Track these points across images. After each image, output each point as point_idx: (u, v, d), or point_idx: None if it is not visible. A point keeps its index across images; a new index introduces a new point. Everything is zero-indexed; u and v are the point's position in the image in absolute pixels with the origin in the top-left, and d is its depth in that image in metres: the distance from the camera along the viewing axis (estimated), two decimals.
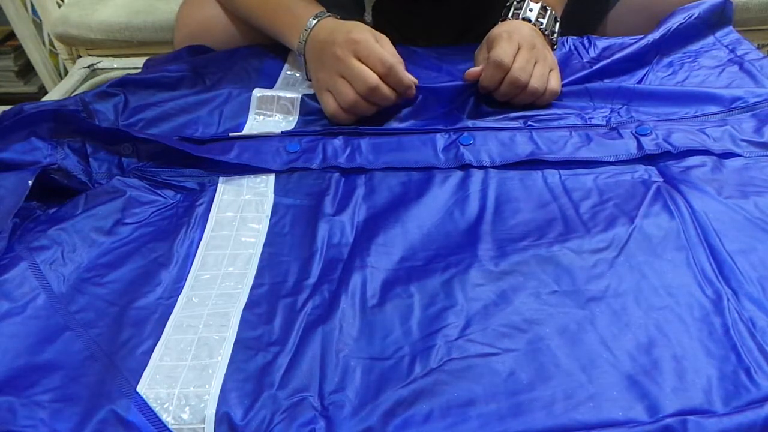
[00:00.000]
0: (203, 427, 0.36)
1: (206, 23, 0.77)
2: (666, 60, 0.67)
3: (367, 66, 0.58)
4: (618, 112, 0.60)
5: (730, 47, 0.66)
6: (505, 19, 0.66)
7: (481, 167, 0.54)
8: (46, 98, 0.89)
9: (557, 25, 0.67)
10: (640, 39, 0.67)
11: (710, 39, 0.68)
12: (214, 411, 0.36)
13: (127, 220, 0.52)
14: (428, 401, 0.36)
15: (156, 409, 0.36)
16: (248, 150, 0.58)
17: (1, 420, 0.36)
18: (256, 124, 0.63)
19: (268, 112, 0.64)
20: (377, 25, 0.72)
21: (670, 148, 0.54)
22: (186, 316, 0.43)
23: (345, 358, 0.39)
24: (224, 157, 0.56)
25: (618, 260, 0.44)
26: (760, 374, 0.35)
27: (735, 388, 0.35)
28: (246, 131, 0.62)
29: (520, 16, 0.64)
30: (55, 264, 0.47)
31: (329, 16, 0.64)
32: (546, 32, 0.65)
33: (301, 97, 0.64)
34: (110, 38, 1.22)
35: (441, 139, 0.58)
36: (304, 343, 0.40)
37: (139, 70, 0.76)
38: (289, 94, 0.65)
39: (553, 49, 0.67)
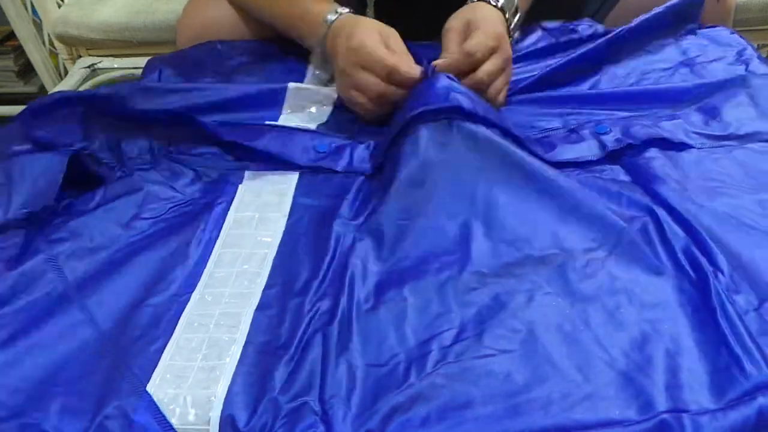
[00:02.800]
0: (207, 429, 0.36)
1: (210, 25, 0.77)
2: (621, 62, 0.67)
3: (372, 72, 0.59)
4: (573, 117, 0.61)
5: (684, 49, 0.67)
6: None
7: None
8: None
9: (518, 16, 0.68)
10: (597, 38, 0.68)
11: (669, 40, 0.68)
12: (219, 413, 0.36)
13: (144, 215, 0.52)
14: (425, 405, 0.36)
15: (163, 410, 0.36)
16: (278, 140, 0.58)
17: (12, 409, 0.36)
18: (290, 116, 0.64)
19: (303, 105, 0.65)
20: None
21: (631, 140, 0.55)
22: (198, 314, 0.43)
23: (343, 363, 0.39)
24: (254, 144, 0.57)
25: (609, 260, 0.44)
26: (750, 364, 0.36)
27: (728, 381, 0.35)
28: (281, 122, 0.62)
29: (492, 2, 0.65)
30: (73, 257, 0.47)
31: (342, 14, 0.65)
32: (510, 26, 0.66)
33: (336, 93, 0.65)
34: (110, 38, 1.22)
35: None
36: (307, 347, 0.40)
37: (140, 71, 0.76)
38: (323, 89, 0.66)
39: (511, 37, 0.67)
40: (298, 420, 0.36)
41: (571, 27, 0.72)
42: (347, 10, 0.66)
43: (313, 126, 0.62)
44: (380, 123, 0.62)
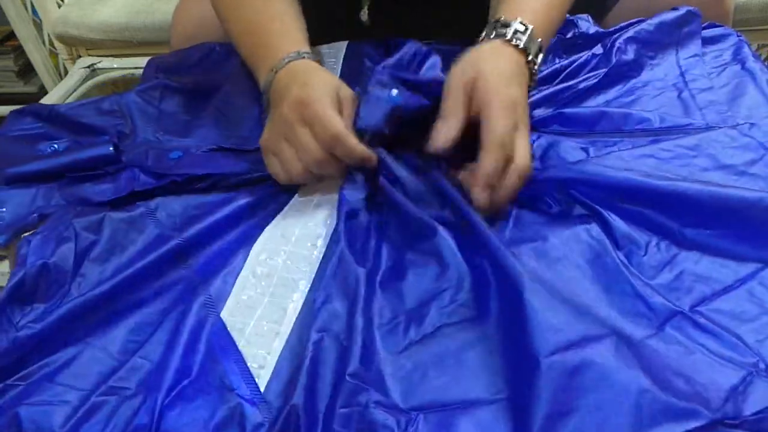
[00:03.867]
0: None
1: (202, 23, 0.77)
2: (617, 77, 0.65)
3: (314, 133, 0.50)
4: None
5: (683, 69, 0.64)
6: (486, 39, 0.54)
7: None
8: (46, 98, 0.89)
9: (540, 56, 0.55)
10: (594, 55, 0.65)
11: (671, 58, 0.65)
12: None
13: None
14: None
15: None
16: None
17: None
18: None
19: None
20: (374, 24, 0.72)
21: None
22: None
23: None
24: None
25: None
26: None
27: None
28: None
29: (509, 38, 0.53)
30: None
31: (303, 57, 0.57)
32: (532, 71, 0.54)
33: None
34: (110, 38, 1.22)
35: None
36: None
37: (140, 71, 0.76)
38: None
39: (531, 87, 0.56)
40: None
41: (572, 20, 0.71)
42: (311, 55, 0.58)
43: None
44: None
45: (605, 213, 0.47)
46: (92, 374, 0.41)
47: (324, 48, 0.70)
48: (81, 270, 0.49)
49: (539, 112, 0.61)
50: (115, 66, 1.01)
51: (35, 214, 0.54)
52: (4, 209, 0.55)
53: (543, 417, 0.34)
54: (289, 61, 0.56)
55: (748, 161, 0.50)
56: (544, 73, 0.65)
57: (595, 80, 0.63)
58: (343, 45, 0.70)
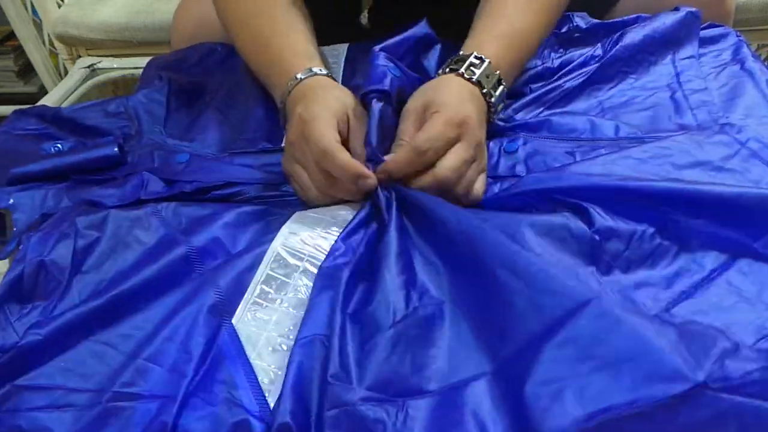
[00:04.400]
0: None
1: (203, 23, 0.77)
2: (612, 74, 0.64)
3: (310, 151, 0.50)
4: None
5: (679, 70, 0.64)
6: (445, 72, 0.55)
7: None
8: (45, 98, 0.89)
9: (501, 88, 0.55)
10: (589, 58, 0.65)
11: (667, 58, 0.65)
12: None
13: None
14: None
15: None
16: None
17: None
18: None
19: None
20: (374, 27, 0.72)
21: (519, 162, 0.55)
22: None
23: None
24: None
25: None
26: None
27: None
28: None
29: (461, 71, 0.54)
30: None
31: (314, 75, 0.56)
32: (489, 102, 0.55)
33: None
34: (110, 38, 1.22)
35: None
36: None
37: (140, 71, 0.76)
38: None
39: (490, 121, 0.56)
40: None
41: (568, 15, 0.71)
42: (323, 71, 0.57)
43: None
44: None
45: (589, 207, 0.46)
46: (98, 375, 0.40)
47: (325, 49, 0.70)
48: (83, 267, 0.48)
49: (528, 113, 0.61)
50: (115, 66, 1.01)
51: (39, 214, 0.54)
52: (17, 215, 0.55)
53: (535, 384, 0.34)
54: (302, 79, 0.56)
55: (723, 157, 0.50)
56: (539, 68, 0.65)
57: (585, 77, 0.62)
58: (344, 47, 0.70)
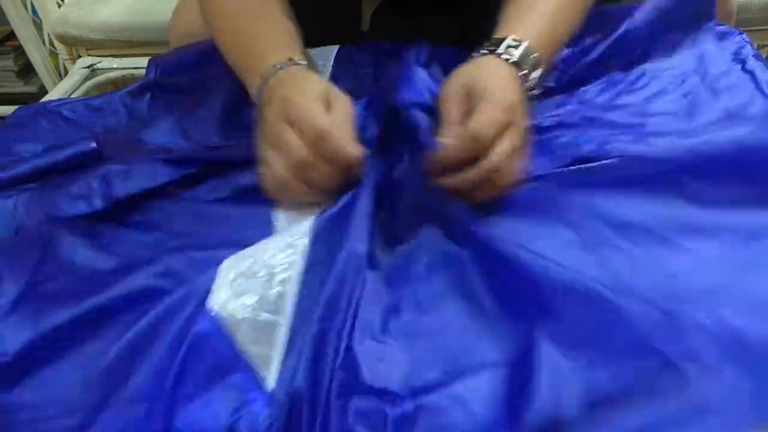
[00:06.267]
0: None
1: (201, 23, 0.76)
2: (629, 61, 0.64)
3: (298, 131, 0.47)
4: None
5: (700, 53, 0.64)
6: (486, 53, 0.53)
7: None
8: (46, 98, 0.89)
9: (538, 71, 0.54)
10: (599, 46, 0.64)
11: (685, 39, 0.65)
12: None
13: None
14: None
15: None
16: None
17: None
18: None
19: None
20: (375, 35, 0.72)
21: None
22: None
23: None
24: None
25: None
26: None
27: None
28: None
29: (500, 52, 0.52)
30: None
31: (294, 64, 0.54)
32: (528, 84, 0.53)
33: None
34: (110, 38, 1.22)
35: None
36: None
37: (140, 71, 0.76)
38: None
39: (531, 99, 0.54)
40: None
41: None
42: (303, 62, 0.55)
43: None
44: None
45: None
46: (85, 384, 0.40)
47: (314, 51, 0.69)
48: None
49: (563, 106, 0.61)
50: (115, 66, 1.01)
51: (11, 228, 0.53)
52: None
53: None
54: (281, 68, 0.53)
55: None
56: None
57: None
58: (333, 48, 0.69)
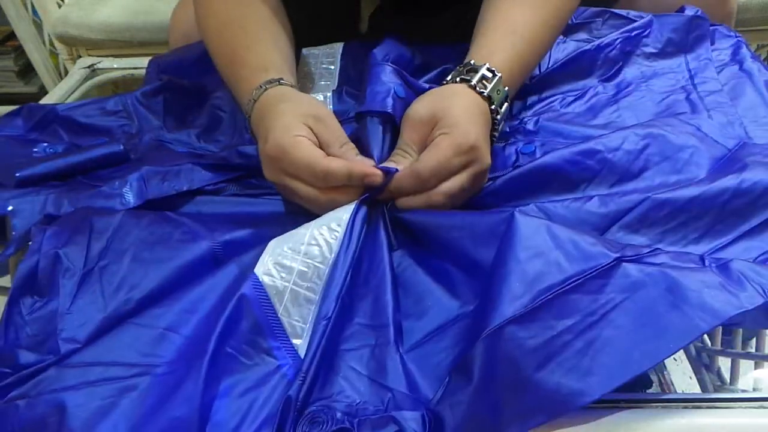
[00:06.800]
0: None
1: None
2: (620, 74, 0.65)
3: (305, 181, 0.48)
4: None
5: (693, 72, 0.64)
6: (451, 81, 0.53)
7: None
8: (46, 98, 0.89)
9: (505, 106, 0.54)
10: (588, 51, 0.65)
11: (679, 59, 0.65)
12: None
13: None
14: None
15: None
16: None
17: None
18: None
19: None
20: (374, 36, 0.72)
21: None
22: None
23: None
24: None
25: None
26: None
27: None
28: None
29: (474, 83, 0.51)
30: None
31: (275, 84, 0.54)
32: (495, 120, 0.53)
33: (331, 94, 0.64)
34: (110, 38, 1.22)
35: None
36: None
37: (140, 71, 0.76)
38: (316, 93, 0.64)
39: (493, 137, 0.54)
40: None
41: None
42: (285, 81, 0.55)
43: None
44: None
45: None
46: (131, 350, 0.40)
47: (320, 49, 0.69)
48: (95, 266, 0.47)
49: (535, 114, 0.61)
50: (115, 66, 1.01)
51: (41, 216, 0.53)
52: (15, 221, 0.53)
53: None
54: (263, 91, 0.54)
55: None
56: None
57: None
58: (339, 46, 0.70)
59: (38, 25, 1.47)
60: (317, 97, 0.62)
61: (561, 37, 0.66)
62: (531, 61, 0.58)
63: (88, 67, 0.99)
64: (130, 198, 0.54)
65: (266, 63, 0.57)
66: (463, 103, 0.50)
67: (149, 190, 0.54)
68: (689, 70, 0.64)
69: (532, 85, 0.63)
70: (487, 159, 0.49)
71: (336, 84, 0.65)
